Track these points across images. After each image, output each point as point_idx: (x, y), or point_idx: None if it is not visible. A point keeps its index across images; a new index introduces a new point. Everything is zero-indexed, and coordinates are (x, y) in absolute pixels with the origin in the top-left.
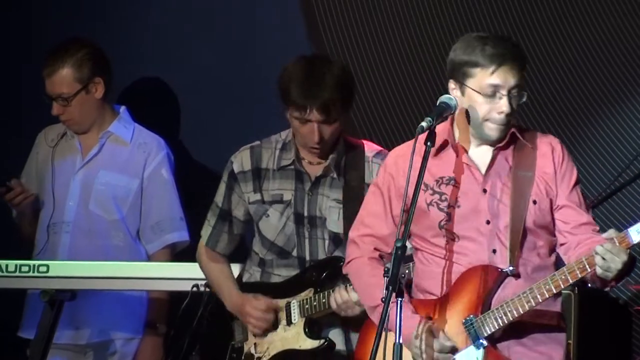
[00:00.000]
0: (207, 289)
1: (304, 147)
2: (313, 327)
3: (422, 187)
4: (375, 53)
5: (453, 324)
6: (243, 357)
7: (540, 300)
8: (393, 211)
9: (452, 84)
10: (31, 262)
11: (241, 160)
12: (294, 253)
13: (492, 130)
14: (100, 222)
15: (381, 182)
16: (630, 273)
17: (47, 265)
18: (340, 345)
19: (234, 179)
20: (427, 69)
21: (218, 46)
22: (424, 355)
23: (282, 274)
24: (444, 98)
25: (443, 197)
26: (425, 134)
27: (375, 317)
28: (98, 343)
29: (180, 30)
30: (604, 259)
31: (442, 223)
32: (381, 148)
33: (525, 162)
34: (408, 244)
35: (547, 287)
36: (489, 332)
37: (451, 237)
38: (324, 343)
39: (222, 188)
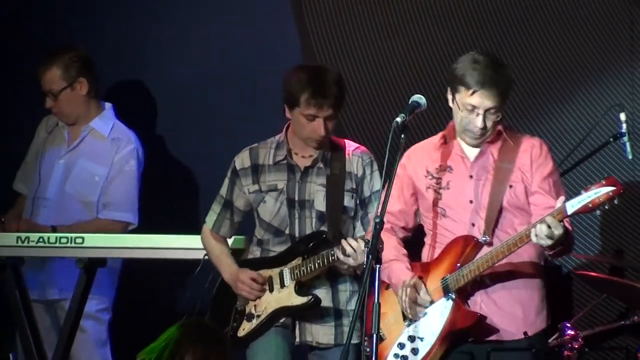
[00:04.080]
0: None
1: (306, 141)
2: (302, 288)
3: (425, 174)
4: (360, 63)
5: (434, 281)
6: (245, 317)
7: (496, 261)
8: (404, 192)
9: (449, 92)
10: (69, 235)
11: (242, 159)
12: (287, 231)
13: (468, 139)
14: (72, 201)
15: (399, 172)
16: (569, 247)
17: (83, 237)
18: (327, 303)
19: (236, 175)
20: (404, 78)
21: (218, 50)
22: (405, 302)
23: (276, 250)
24: (415, 97)
25: (438, 181)
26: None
27: (383, 275)
28: (58, 300)
29: (182, 33)
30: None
31: (435, 201)
32: (359, 145)
33: (507, 157)
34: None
35: (501, 249)
36: (457, 287)
37: (442, 214)
38: (311, 299)
39: (226, 182)
